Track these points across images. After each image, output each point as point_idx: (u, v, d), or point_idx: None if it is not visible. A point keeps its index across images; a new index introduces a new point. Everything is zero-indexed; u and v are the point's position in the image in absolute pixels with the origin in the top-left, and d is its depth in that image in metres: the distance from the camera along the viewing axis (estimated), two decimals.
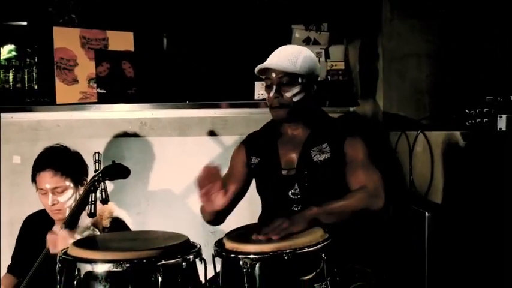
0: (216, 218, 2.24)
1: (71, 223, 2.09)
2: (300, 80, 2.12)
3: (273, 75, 2.13)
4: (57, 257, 1.64)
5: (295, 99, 2.12)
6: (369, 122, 2.97)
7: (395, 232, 2.53)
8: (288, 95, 2.12)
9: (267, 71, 2.15)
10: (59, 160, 2.36)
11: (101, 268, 1.55)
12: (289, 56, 2.13)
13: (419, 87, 2.83)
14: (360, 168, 2.08)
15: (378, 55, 2.85)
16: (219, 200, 1.92)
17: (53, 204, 2.32)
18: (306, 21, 3.32)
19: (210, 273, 1.79)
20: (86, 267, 1.56)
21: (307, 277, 1.67)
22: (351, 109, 3.23)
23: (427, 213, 2.27)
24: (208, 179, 1.89)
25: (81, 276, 1.55)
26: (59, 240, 2.04)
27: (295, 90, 2.12)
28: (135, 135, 3.28)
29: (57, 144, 2.47)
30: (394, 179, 2.40)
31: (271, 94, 2.13)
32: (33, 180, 2.38)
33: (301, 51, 2.16)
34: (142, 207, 3.27)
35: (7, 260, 2.60)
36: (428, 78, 2.83)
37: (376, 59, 2.87)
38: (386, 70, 2.81)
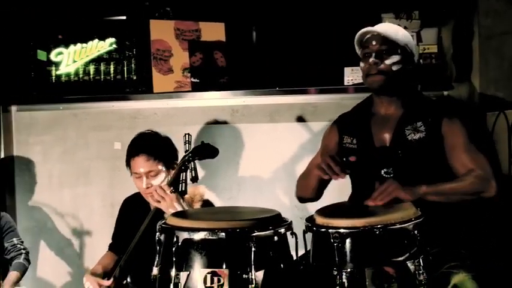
0: (315, 193, 2.34)
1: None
2: (399, 51, 2.13)
3: (373, 42, 2.15)
4: (157, 227, 1.73)
5: (394, 68, 2.13)
6: (464, 105, 2.86)
7: (493, 217, 2.41)
8: (387, 62, 2.13)
9: (366, 41, 2.17)
10: (151, 145, 2.48)
11: (197, 236, 1.63)
12: (390, 27, 2.20)
13: None
14: (463, 151, 2.06)
15: (473, 34, 2.73)
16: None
17: (147, 188, 2.43)
18: (396, 10, 3.23)
19: (301, 252, 1.81)
20: (184, 235, 1.64)
21: (399, 254, 1.64)
22: (445, 93, 3.13)
23: None
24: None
25: (179, 243, 1.63)
26: (167, 199, 2.18)
27: (395, 58, 2.13)
28: (227, 122, 3.37)
29: (148, 130, 2.61)
30: (493, 161, 2.28)
31: (370, 60, 2.14)
32: (128, 165, 2.52)
33: (400, 28, 2.22)
34: (233, 192, 3.35)
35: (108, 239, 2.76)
36: None
37: (472, 39, 2.76)
38: (483, 49, 2.70)
